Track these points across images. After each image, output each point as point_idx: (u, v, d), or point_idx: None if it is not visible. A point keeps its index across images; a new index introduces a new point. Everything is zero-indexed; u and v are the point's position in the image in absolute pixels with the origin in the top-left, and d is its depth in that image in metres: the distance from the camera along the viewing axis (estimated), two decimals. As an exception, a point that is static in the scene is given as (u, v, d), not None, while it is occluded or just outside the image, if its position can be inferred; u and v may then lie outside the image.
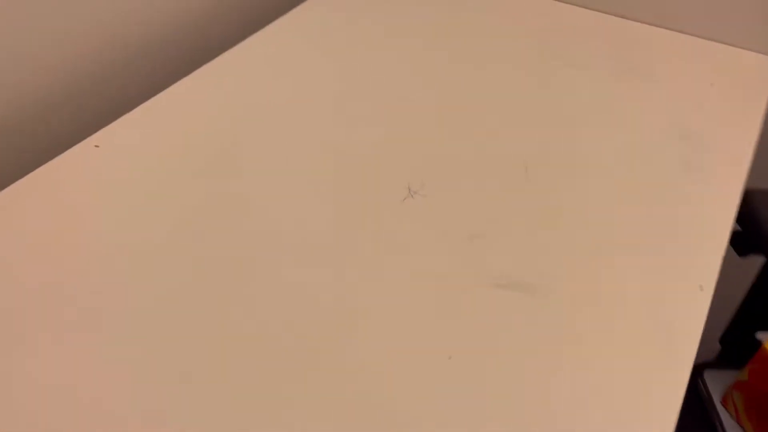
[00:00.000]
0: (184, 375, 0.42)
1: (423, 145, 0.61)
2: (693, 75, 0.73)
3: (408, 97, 0.67)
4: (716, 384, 0.66)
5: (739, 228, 0.62)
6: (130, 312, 0.45)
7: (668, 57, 0.77)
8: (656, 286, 0.49)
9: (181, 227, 0.52)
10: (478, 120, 0.65)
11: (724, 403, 0.64)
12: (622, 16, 0.82)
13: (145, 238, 0.51)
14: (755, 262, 0.68)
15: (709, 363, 0.70)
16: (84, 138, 0.59)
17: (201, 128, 0.62)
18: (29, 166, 0.55)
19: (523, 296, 0.48)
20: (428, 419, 0.41)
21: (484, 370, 0.43)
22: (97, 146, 0.58)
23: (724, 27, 0.78)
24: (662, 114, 0.67)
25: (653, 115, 0.67)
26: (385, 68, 0.71)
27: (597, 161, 0.61)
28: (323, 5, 0.81)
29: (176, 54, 0.77)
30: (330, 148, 0.60)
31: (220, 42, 0.73)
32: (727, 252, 0.57)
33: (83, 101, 0.68)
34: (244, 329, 0.45)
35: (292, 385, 0.42)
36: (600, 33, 0.80)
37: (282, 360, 0.43)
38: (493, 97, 0.68)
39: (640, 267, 0.51)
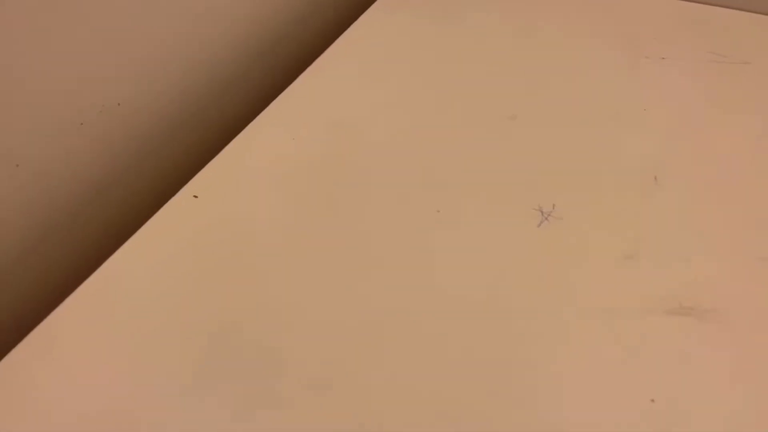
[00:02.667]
0: None
1: (540, 162, 0.57)
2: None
3: (511, 110, 0.63)
4: None
5: None
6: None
7: (752, 38, 0.73)
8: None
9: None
10: (588, 129, 0.61)
11: None
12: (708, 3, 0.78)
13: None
14: None
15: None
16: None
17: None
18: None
19: (699, 323, 0.44)
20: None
21: (686, 414, 0.39)
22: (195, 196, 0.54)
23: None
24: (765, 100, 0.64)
25: (760, 107, 0.63)
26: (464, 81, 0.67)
27: (720, 162, 0.57)
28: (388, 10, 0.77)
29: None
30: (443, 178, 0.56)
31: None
32: None
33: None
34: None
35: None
36: (688, 22, 0.76)
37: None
38: (594, 101, 0.64)
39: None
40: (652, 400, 0.40)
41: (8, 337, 0.43)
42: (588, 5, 0.79)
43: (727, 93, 0.65)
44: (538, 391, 0.41)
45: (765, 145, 0.58)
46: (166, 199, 0.53)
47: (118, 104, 0.56)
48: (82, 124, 0.53)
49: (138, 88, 0.59)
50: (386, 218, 0.52)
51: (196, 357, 0.42)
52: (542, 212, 0.52)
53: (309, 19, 0.80)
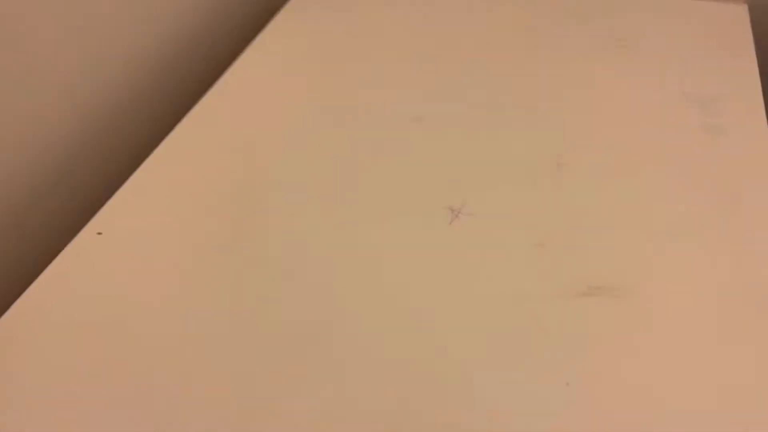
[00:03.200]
0: None
1: (448, 161, 0.58)
2: (678, 37, 0.73)
3: (417, 113, 0.63)
4: None
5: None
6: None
7: (649, 23, 0.76)
8: (732, 257, 0.48)
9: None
10: (491, 123, 0.62)
11: None
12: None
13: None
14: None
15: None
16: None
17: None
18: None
19: (610, 300, 0.45)
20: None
21: (601, 396, 0.40)
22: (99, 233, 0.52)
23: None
24: (667, 83, 0.66)
25: (657, 87, 0.66)
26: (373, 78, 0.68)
27: (622, 144, 0.59)
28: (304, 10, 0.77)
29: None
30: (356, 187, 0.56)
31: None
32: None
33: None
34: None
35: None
36: (577, 10, 0.78)
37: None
38: (495, 94, 0.65)
39: (715, 246, 0.49)
40: (567, 384, 0.40)
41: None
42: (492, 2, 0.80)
43: (624, 74, 0.67)
44: (455, 382, 0.41)
45: (662, 124, 0.61)
46: (74, 233, 0.51)
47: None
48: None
49: (34, 114, 0.57)
50: (298, 226, 0.52)
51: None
52: (452, 210, 0.53)
53: (208, 39, 0.79)
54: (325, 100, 0.66)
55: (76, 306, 0.46)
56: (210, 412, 0.39)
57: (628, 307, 0.45)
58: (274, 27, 0.76)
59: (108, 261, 0.49)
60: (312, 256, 0.50)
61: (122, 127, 0.68)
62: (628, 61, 0.69)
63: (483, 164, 0.57)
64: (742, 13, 0.76)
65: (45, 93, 0.58)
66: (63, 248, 0.50)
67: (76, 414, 0.39)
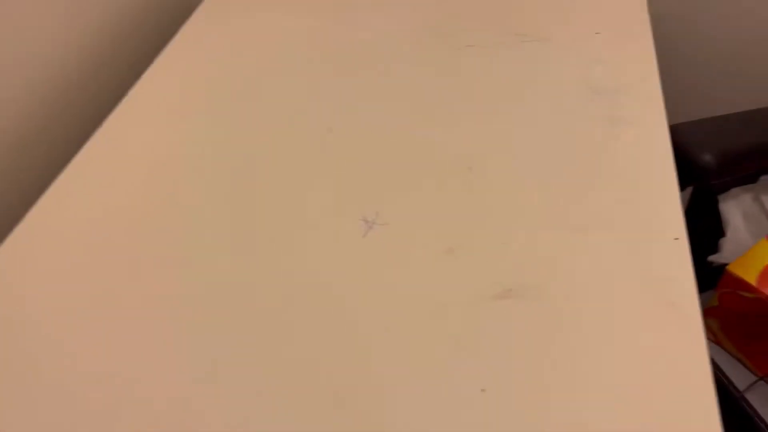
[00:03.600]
0: None
1: (361, 173, 0.58)
2: (577, 28, 0.74)
3: (327, 124, 0.63)
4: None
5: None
6: None
7: (547, 15, 0.78)
8: (635, 254, 0.49)
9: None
10: (401, 131, 0.62)
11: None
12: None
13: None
14: (687, 190, 0.71)
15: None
16: None
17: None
18: None
19: (521, 302, 0.46)
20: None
21: (517, 401, 0.41)
22: None
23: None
24: (569, 76, 0.67)
25: (562, 80, 0.67)
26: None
27: (530, 143, 0.60)
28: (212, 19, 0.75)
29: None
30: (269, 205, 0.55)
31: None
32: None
33: None
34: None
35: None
36: (477, 9, 0.79)
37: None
38: (405, 101, 0.66)
39: (616, 238, 0.51)
40: (483, 390, 0.41)
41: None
42: (395, 4, 0.80)
43: (528, 71, 0.68)
44: (369, 392, 0.41)
45: (568, 120, 0.62)
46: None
47: None
48: None
49: None
50: (206, 236, 0.51)
51: None
52: (366, 221, 0.53)
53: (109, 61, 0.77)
54: (235, 110, 0.64)
55: None
56: None
57: (542, 307, 0.46)
58: (182, 36, 0.74)
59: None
60: (222, 269, 0.49)
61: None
62: (532, 58, 0.70)
63: (395, 172, 0.57)
64: (639, 2, 0.78)
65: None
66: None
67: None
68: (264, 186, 0.56)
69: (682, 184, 0.65)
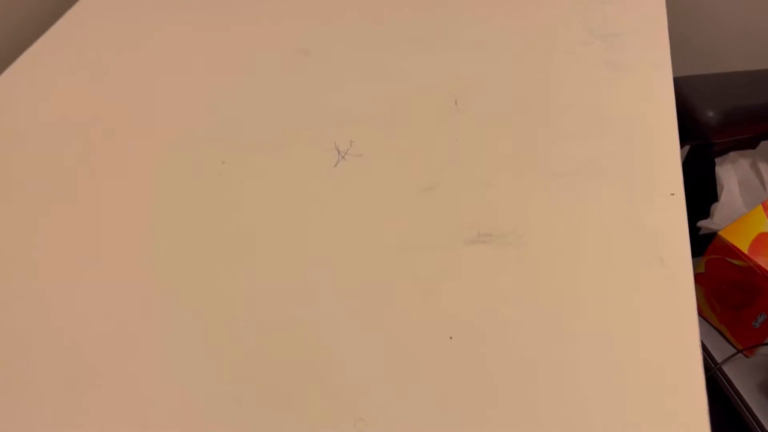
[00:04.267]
0: None
1: (337, 98, 0.53)
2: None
3: (304, 44, 0.58)
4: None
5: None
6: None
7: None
8: (627, 204, 0.45)
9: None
10: (385, 56, 0.57)
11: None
12: None
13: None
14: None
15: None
16: None
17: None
18: None
19: (496, 249, 0.42)
20: (427, 390, 0.34)
21: (485, 349, 0.37)
22: None
23: None
24: (572, 17, 0.63)
25: (564, 20, 0.62)
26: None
27: (521, 81, 0.55)
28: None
29: None
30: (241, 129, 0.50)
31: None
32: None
33: None
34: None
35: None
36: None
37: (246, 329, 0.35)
38: (389, 28, 0.60)
39: (602, 187, 0.46)
40: (451, 338, 0.37)
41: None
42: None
43: (526, 9, 0.63)
44: (330, 334, 0.37)
45: (563, 57, 0.57)
46: None
47: None
48: None
49: None
50: (173, 174, 0.46)
51: None
52: (339, 151, 0.48)
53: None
54: (208, 32, 0.59)
55: None
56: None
57: (518, 254, 0.42)
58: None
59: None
60: (193, 191, 0.44)
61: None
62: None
63: (375, 103, 0.52)
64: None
65: None
66: None
67: None
68: (234, 107, 0.51)
69: (681, 140, 0.61)
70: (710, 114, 0.56)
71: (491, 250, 0.42)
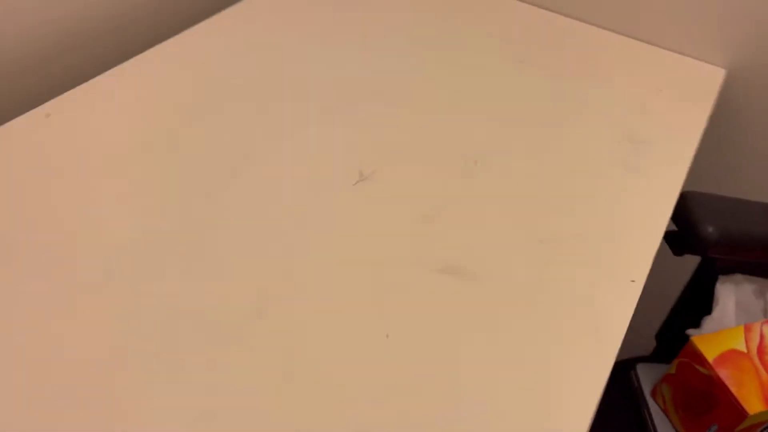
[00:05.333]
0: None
1: (373, 136, 0.62)
2: (643, 80, 0.76)
3: (369, 91, 0.68)
4: (648, 377, 0.68)
5: (675, 228, 0.64)
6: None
7: (621, 61, 0.79)
8: (590, 277, 0.51)
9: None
10: (433, 114, 0.66)
11: (653, 395, 0.67)
12: (580, 19, 0.84)
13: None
14: (693, 261, 0.71)
15: (644, 357, 0.73)
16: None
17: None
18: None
19: (460, 282, 0.49)
20: (365, 391, 0.42)
21: (418, 348, 0.45)
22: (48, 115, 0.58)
23: (676, 36, 0.80)
24: (609, 116, 0.69)
25: (601, 117, 0.69)
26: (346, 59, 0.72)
27: (542, 158, 0.62)
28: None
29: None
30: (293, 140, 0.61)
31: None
32: (665, 251, 0.60)
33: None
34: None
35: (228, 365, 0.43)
36: (558, 35, 0.82)
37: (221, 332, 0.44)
38: (450, 93, 0.70)
39: (576, 259, 0.53)
40: (387, 336, 0.45)
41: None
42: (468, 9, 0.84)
43: (577, 98, 0.70)
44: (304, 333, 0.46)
45: (592, 149, 0.64)
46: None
47: None
48: None
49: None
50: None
51: None
52: (361, 174, 0.57)
53: None
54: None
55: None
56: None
57: (473, 286, 0.49)
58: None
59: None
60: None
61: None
62: (585, 88, 0.72)
63: (411, 147, 0.62)
64: (716, 75, 0.78)
65: None
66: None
67: None
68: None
69: (681, 250, 0.65)
70: (710, 230, 0.60)
71: (452, 280, 0.49)
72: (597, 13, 0.83)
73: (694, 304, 0.70)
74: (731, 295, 0.66)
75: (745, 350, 0.59)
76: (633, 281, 0.51)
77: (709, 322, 0.65)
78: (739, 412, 0.55)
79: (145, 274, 0.47)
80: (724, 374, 0.57)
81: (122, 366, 0.41)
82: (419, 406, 0.41)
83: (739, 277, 0.67)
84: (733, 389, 0.56)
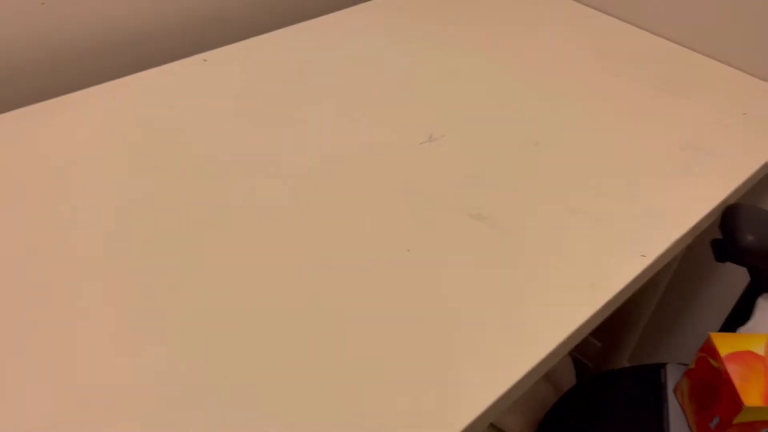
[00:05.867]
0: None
1: (450, 107, 0.73)
2: (730, 102, 0.79)
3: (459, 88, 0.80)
4: (675, 376, 0.72)
5: (721, 236, 0.68)
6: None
7: (712, 85, 0.83)
8: (604, 246, 0.58)
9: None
10: (511, 100, 0.76)
11: (675, 390, 0.70)
12: (680, 44, 0.89)
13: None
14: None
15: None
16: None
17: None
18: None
19: (485, 227, 0.59)
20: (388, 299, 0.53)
21: (433, 264, 0.55)
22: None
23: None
24: (685, 128, 0.74)
25: (676, 127, 0.74)
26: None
27: (607, 150, 0.69)
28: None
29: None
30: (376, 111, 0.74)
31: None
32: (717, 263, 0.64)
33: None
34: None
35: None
36: (655, 54, 0.87)
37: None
38: (538, 92, 0.79)
39: (597, 230, 0.59)
40: (408, 250, 0.55)
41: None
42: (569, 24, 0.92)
43: (650, 121, 0.76)
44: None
45: (640, 148, 0.70)
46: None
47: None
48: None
49: None
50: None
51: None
52: (431, 137, 0.68)
53: None
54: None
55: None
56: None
57: (497, 227, 0.58)
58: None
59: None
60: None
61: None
62: (676, 99, 0.78)
63: (489, 134, 0.72)
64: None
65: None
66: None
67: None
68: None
69: (723, 257, 0.69)
70: (749, 238, 0.64)
71: (483, 226, 0.59)
72: (699, 39, 0.87)
73: (738, 317, 0.72)
74: (770, 311, 0.68)
75: (762, 354, 0.61)
76: (643, 256, 0.57)
77: (742, 331, 0.67)
78: (737, 404, 0.58)
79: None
80: (732, 368, 0.60)
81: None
82: (429, 309, 0.52)
83: (785, 295, 0.69)
84: (736, 382, 0.59)
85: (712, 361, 0.63)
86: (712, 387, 0.62)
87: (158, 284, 0.51)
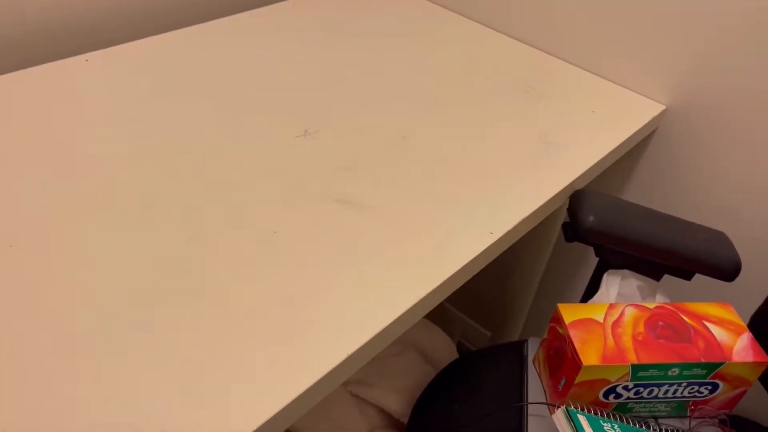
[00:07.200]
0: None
1: (327, 106, 0.78)
2: (581, 101, 0.88)
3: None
4: (536, 347, 0.79)
5: (568, 219, 0.76)
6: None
7: (566, 85, 0.92)
8: (458, 224, 0.64)
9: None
10: (384, 99, 0.82)
11: (534, 360, 0.77)
12: (539, 48, 0.98)
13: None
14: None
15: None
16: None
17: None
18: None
19: (347, 208, 0.64)
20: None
21: (296, 242, 0.59)
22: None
23: (620, 71, 0.93)
24: (541, 125, 0.82)
25: (533, 124, 0.82)
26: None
27: (470, 143, 0.76)
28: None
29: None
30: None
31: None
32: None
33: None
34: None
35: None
36: (516, 58, 0.96)
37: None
38: (408, 92, 0.85)
39: (452, 211, 0.66)
40: (275, 232, 0.59)
41: None
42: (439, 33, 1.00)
43: (515, 109, 0.84)
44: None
45: (496, 142, 0.77)
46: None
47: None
48: None
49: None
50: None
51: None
52: (307, 131, 0.73)
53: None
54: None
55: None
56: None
57: (368, 217, 0.63)
58: None
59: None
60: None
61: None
62: (529, 103, 0.86)
63: (347, 118, 0.77)
64: (651, 109, 0.89)
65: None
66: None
67: None
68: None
69: (571, 237, 0.76)
70: (590, 218, 0.72)
71: (347, 209, 0.63)
72: (560, 46, 0.97)
73: (591, 292, 0.80)
74: (614, 287, 0.76)
75: (601, 321, 0.69)
76: (491, 233, 0.64)
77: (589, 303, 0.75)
78: (577, 364, 0.65)
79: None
80: (574, 333, 0.67)
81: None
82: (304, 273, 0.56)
83: (627, 272, 0.77)
84: (577, 345, 0.66)
85: (559, 329, 0.70)
86: (559, 352, 0.69)
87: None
